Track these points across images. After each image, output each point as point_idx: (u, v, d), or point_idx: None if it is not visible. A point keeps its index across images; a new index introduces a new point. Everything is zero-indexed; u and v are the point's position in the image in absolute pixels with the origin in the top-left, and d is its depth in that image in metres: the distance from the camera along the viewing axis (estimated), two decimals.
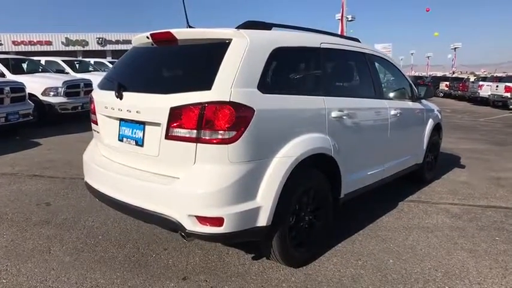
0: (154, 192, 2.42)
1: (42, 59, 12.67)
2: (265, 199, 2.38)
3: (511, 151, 7.48)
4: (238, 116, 2.23)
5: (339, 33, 19.02)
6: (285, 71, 2.84)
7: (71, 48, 34.88)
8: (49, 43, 34.51)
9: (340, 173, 3.00)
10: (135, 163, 2.67)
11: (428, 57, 71.57)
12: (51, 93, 9.00)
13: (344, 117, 3.03)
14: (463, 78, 36.66)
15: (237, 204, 2.28)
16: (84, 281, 2.57)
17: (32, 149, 6.70)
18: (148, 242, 3.16)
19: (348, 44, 3.54)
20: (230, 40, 2.43)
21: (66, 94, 9.20)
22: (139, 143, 2.60)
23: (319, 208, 2.91)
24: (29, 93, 8.09)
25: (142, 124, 2.57)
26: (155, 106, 2.43)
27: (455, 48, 52.18)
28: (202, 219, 2.26)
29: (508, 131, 10.58)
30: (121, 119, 2.75)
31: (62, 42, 34.98)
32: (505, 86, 17.67)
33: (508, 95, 17.54)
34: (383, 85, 4.03)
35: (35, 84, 8.78)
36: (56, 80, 9.34)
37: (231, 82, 2.28)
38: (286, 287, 2.55)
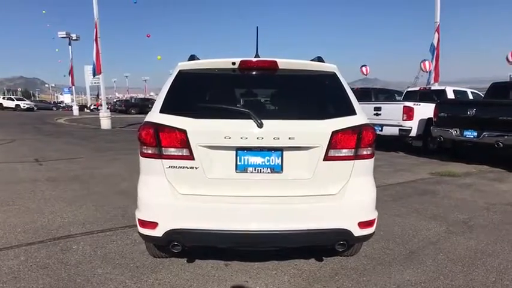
0: (322, 211, 2.57)
1: None
2: None
3: None
4: (375, 134, 2.80)
5: (95, 53, 18.17)
6: None
7: None
8: None
9: None
10: (271, 190, 2.59)
11: (145, 80, 77.62)
12: None
13: None
14: None
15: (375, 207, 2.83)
16: None
17: None
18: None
19: None
20: (334, 73, 2.91)
21: None
22: (277, 169, 2.58)
23: None
24: None
25: (279, 150, 2.58)
26: (313, 131, 2.56)
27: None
28: (364, 224, 2.66)
29: None
30: (238, 148, 2.56)
31: None
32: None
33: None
34: None
35: None
36: None
37: (359, 107, 2.80)
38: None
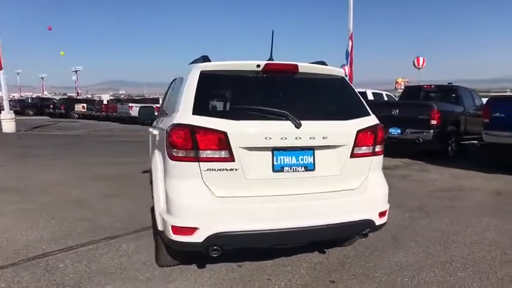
0: (351, 204, 2.80)
1: None
2: None
3: None
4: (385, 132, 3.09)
5: None
6: None
7: None
8: None
9: None
10: (305, 188, 2.70)
11: (43, 78, 69.50)
12: None
13: None
14: (95, 100, 39.01)
15: None
16: None
17: None
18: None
19: None
20: (342, 77, 3.14)
21: None
22: (310, 167, 2.70)
23: None
24: None
25: (311, 150, 2.70)
26: (343, 131, 2.75)
27: (76, 70, 54.35)
28: (382, 214, 2.95)
29: None
30: (274, 149, 2.61)
31: None
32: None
33: None
34: None
35: None
36: None
37: (369, 109, 3.08)
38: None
